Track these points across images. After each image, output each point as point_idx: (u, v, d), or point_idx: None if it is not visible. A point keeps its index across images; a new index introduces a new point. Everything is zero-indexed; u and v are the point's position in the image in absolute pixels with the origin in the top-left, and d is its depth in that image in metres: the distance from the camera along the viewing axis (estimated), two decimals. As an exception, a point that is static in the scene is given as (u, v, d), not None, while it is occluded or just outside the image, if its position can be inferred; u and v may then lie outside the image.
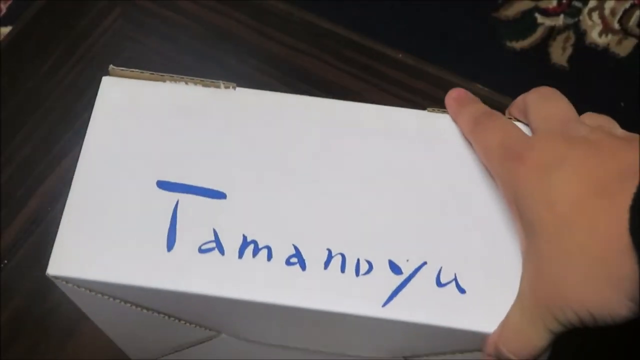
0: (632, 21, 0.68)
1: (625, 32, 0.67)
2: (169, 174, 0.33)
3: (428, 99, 0.49)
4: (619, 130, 0.31)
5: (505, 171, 0.30)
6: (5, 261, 0.47)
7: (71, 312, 0.46)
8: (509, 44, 0.66)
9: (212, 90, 0.35)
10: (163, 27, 0.53)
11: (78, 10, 0.53)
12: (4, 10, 0.67)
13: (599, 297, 0.26)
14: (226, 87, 0.35)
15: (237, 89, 0.35)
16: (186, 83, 0.35)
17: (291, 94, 0.34)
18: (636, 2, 0.69)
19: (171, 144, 0.33)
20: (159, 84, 0.35)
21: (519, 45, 0.66)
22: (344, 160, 0.33)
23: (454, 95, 0.35)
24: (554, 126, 0.30)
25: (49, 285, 0.47)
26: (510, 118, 0.34)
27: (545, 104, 0.32)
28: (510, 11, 0.68)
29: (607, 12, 0.68)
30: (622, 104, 0.63)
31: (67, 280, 0.32)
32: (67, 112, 0.51)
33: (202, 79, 0.35)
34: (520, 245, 0.31)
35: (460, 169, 0.33)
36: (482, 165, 0.33)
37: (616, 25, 0.68)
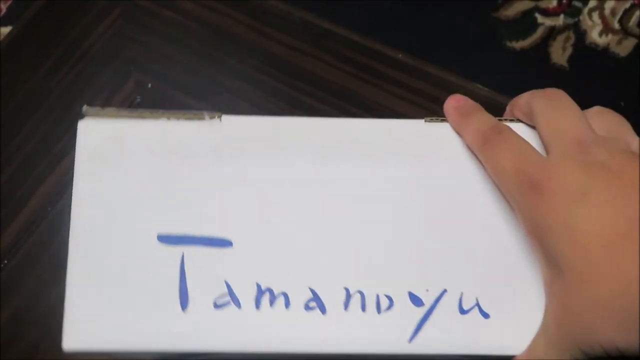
0: (632, 21, 0.68)
1: (625, 32, 0.67)
2: (168, 226, 0.31)
3: (428, 99, 0.49)
4: (635, 142, 0.30)
5: (523, 200, 0.29)
6: (5, 261, 0.47)
7: (71, 312, 0.46)
8: (509, 44, 0.66)
9: (196, 123, 0.33)
10: (163, 27, 0.53)
11: (78, 10, 0.53)
12: (4, 10, 0.67)
13: (630, 339, 0.26)
14: (211, 118, 0.33)
15: (223, 118, 0.33)
16: (168, 119, 0.33)
17: (278, 117, 0.33)
18: (636, 2, 0.69)
19: (164, 191, 0.32)
20: (139, 122, 0.33)
21: (519, 45, 0.66)
22: (346, 187, 0.32)
23: (453, 104, 0.34)
24: (570, 148, 0.29)
25: (49, 285, 0.47)
26: (512, 120, 0.33)
27: (555, 114, 0.30)
28: (510, 11, 0.68)
29: (607, 12, 0.68)
30: (622, 104, 0.63)
31: (85, 352, 0.31)
32: (67, 112, 0.51)
33: (184, 111, 0.33)
34: (542, 273, 0.30)
35: (469, 186, 0.32)
36: (492, 180, 0.32)
37: (616, 25, 0.68)
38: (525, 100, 0.32)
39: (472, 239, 0.31)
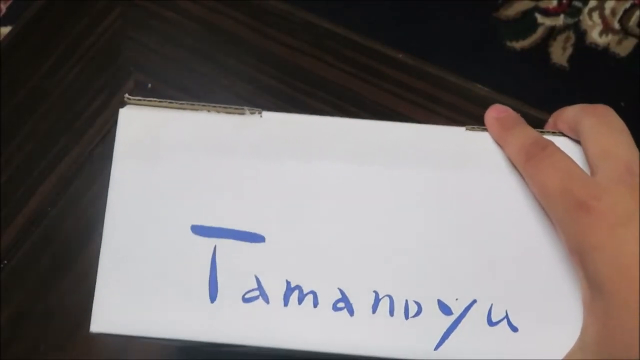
0: (632, 21, 0.68)
1: (625, 32, 0.67)
2: (203, 217, 0.31)
3: (428, 99, 0.49)
4: None
5: (569, 219, 0.29)
6: (5, 261, 0.47)
7: (71, 312, 0.46)
8: (509, 44, 0.66)
9: (237, 118, 0.33)
10: (163, 27, 0.53)
11: (78, 10, 0.53)
12: (4, 10, 0.67)
13: None
14: (252, 114, 0.33)
15: (264, 114, 0.33)
16: (208, 111, 0.33)
17: (319, 116, 0.33)
18: (636, 2, 0.69)
19: (201, 182, 0.32)
20: (180, 113, 0.33)
21: (519, 45, 0.66)
22: (381, 190, 0.31)
23: (494, 115, 0.33)
24: (619, 171, 0.29)
25: (49, 285, 0.47)
26: (554, 133, 0.32)
27: (606, 135, 0.30)
28: (510, 11, 0.68)
29: (607, 12, 0.68)
30: (622, 104, 0.63)
31: (111, 335, 0.31)
32: (67, 112, 0.51)
33: (225, 105, 0.33)
34: (581, 291, 0.30)
35: (506, 198, 0.31)
36: (531, 193, 0.31)
37: (616, 25, 0.68)
38: (572, 114, 0.32)
39: (506, 251, 0.31)
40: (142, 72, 0.52)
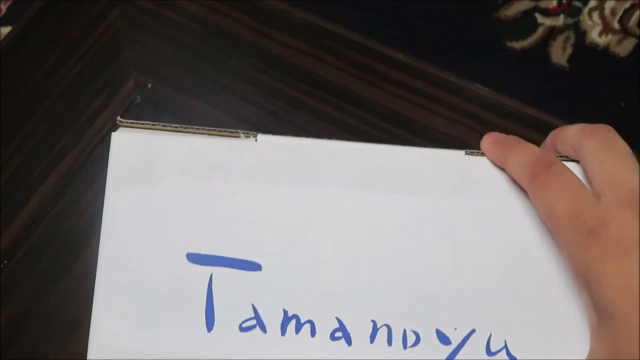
0: (632, 21, 0.68)
1: (625, 32, 0.67)
2: (198, 245, 0.31)
3: (428, 99, 0.49)
4: None
5: (576, 245, 0.29)
6: (5, 261, 0.47)
7: (71, 312, 0.46)
8: (509, 44, 0.66)
9: (231, 141, 0.32)
10: (163, 27, 0.53)
11: (78, 10, 0.53)
12: (4, 10, 0.67)
13: None
14: (246, 137, 0.32)
15: (259, 137, 0.32)
16: (202, 135, 0.32)
17: (314, 139, 0.32)
18: (636, 2, 0.69)
19: (196, 209, 0.31)
20: (173, 137, 0.32)
21: (519, 45, 0.66)
22: (379, 217, 0.31)
23: (491, 141, 0.32)
24: (625, 196, 0.29)
25: (49, 285, 0.47)
26: (559, 156, 0.32)
27: (610, 161, 0.30)
28: (510, 11, 0.68)
29: (607, 12, 0.68)
30: (622, 104, 0.63)
31: None
32: (67, 112, 0.51)
33: (218, 129, 0.32)
34: (587, 316, 0.30)
35: (505, 224, 0.31)
36: (530, 218, 0.31)
37: (616, 25, 0.68)
38: (572, 135, 0.32)
39: (505, 279, 0.31)
40: (142, 72, 0.52)
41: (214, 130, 0.32)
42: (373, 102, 0.50)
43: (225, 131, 0.32)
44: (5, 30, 0.64)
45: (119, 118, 0.33)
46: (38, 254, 0.47)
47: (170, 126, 0.32)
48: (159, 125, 0.32)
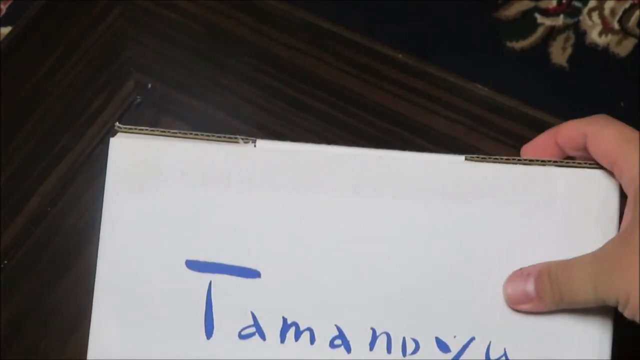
0: (632, 21, 0.68)
1: (625, 32, 0.67)
2: (197, 252, 0.31)
3: (428, 99, 0.49)
4: None
5: None
6: (5, 261, 0.47)
7: (71, 312, 0.46)
8: (509, 44, 0.66)
9: (230, 147, 0.32)
10: (163, 27, 0.53)
11: (78, 10, 0.53)
12: (4, 11, 0.67)
13: None
14: (245, 142, 0.32)
15: (258, 143, 0.32)
16: (201, 140, 0.32)
17: (313, 145, 0.32)
18: (636, 2, 0.69)
19: (194, 215, 0.31)
20: (172, 142, 0.32)
21: (519, 45, 0.66)
22: (379, 224, 0.31)
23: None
24: None
25: (49, 285, 0.47)
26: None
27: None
28: (510, 11, 0.68)
29: (607, 12, 0.68)
30: (622, 104, 0.63)
31: None
32: (67, 112, 0.51)
33: (217, 134, 0.32)
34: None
35: (507, 230, 0.31)
36: (532, 225, 0.31)
37: (616, 25, 0.68)
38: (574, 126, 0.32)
39: (500, 290, 0.31)
40: (142, 72, 0.52)
41: (213, 135, 0.32)
42: (373, 102, 0.50)
43: (224, 137, 0.32)
44: (5, 30, 0.64)
45: (117, 124, 0.32)
46: (38, 254, 0.47)
47: (169, 131, 0.32)
48: (157, 130, 0.32)
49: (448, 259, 0.31)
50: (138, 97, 0.51)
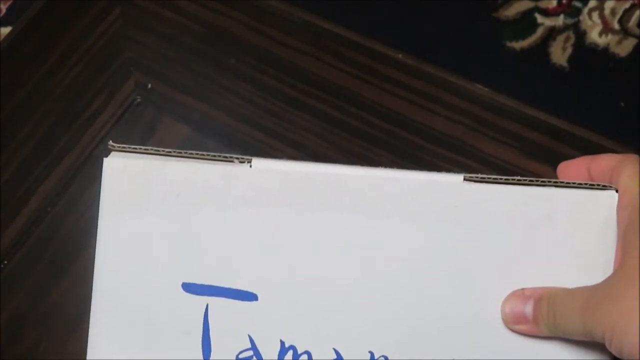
0: (632, 21, 0.68)
1: (625, 32, 0.67)
2: (194, 274, 0.31)
3: (428, 99, 0.49)
4: None
5: None
6: (5, 261, 0.47)
7: (71, 312, 0.46)
8: (509, 44, 0.66)
9: (225, 167, 0.31)
10: (163, 27, 0.53)
11: (78, 10, 0.53)
12: (4, 11, 0.67)
13: None
14: (241, 162, 0.31)
15: (253, 162, 0.31)
16: (196, 160, 0.31)
17: (309, 163, 0.31)
18: (636, 2, 0.69)
19: (190, 236, 0.31)
20: (166, 162, 0.31)
21: (519, 45, 0.66)
22: (377, 248, 0.30)
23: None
24: None
25: (49, 285, 0.47)
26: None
27: None
28: (510, 11, 0.68)
29: (607, 12, 0.68)
30: (622, 104, 0.63)
31: None
32: (67, 112, 0.51)
33: (212, 154, 0.31)
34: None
35: (506, 252, 0.30)
36: (533, 246, 0.30)
37: (616, 25, 0.68)
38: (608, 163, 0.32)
39: (499, 312, 0.30)
40: (142, 72, 0.52)
41: (208, 154, 0.31)
42: (373, 102, 0.50)
43: (219, 156, 0.31)
44: (5, 30, 0.64)
45: (110, 142, 0.32)
46: (38, 254, 0.47)
47: (163, 150, 0.31)
48: (151, 149, 0.31)
49: (447, 282, 0.30)
50: (138, 97, 0.51)
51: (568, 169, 0.34)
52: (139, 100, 0.51)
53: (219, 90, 0.51)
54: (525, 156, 0.47)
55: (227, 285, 0.31)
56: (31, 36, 0.52)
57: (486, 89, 0.49)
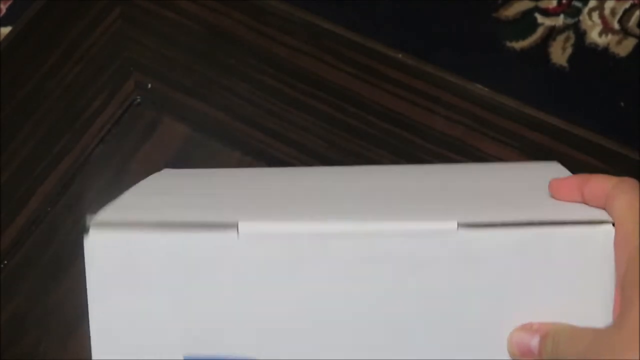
0: (632, 21, 0.68)
1: (625, 32, 0.68)
2: (193, 347, 0.30)
3: (428, 99, 0.49)
4: None
5: None
6: (5, 261, 0.47)
7: (71, 312, 0.46)
8: (509, 44, 0.66)
9: (212, 235, 0.30)
10: (163, 27, 0.53)
11: (78, 10, 0.53)
12: (4, 11, 0.67)
13: None
14: (228, 228, 0.30)
15: (240, 227, 0.30)
16: (181, 229, 0.30)
17: (300, 224, 0.30)
18: (636, 2, 0.69)
19: (185, 309, 0.30)
20: (150, 235, 0.30)
21: (519, 45, 0.66)
22: (375, 306, 0.30)
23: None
24: None
25: (49, 285, 0.47)
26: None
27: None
28: (510, 11, 0.68)
29: (607, 12, 0.68)
30: (622, 104, 0.63)
31: None
32: (67, 112, 0.51)
33: (199, 222, 0.30)
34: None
35: (506, 295, 0.30)
36: (530, 285, 0.30)
37: (616, 25, 0.68)
38: (602, 187, 0.31)
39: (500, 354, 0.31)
40: (142, 72, 0.52)
41: (195, 223, 0.30)
42: (373, 102, 0.50)
43: (207, 223, 0.30)
44: (5, 30, 0.64)
45: (87, 216, 0.30)
46: (38, 254, 0.47)
47: (145, 222, 0.30)
48: (132, 221, 0.30)
49: (447, 334, 0.30)
50: (138, 97, 0.51)
51: (561, 188, 0.34)
52: (139, 100, 0.51)
53: (219, 90, 0.51)
54: (525, 156, 0.47)
55: (228, 355, 0.30)
56: (31, 36, 0.52)
57: (486, 89, 0.49)
